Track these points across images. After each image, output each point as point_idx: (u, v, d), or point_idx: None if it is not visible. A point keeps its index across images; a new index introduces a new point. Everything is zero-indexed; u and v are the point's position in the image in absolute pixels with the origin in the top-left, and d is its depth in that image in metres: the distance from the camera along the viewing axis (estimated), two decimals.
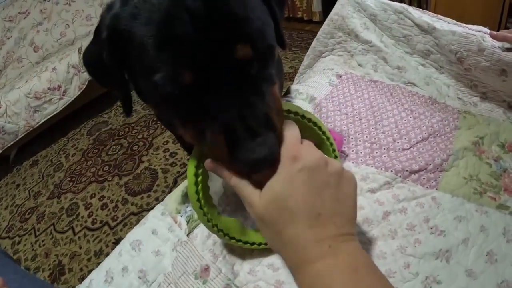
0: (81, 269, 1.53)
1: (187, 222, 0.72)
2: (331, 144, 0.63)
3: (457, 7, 2.24)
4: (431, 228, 0.67)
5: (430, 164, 0.79)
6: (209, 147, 0.49)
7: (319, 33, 1.29)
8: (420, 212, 0.70)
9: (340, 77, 1.12)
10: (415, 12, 1.18)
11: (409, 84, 1.11)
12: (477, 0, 2.17)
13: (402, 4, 1.23)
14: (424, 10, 1.22)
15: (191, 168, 0.55)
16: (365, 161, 0.81)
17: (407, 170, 0.77)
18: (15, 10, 2.84)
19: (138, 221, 1.60)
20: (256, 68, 0.46)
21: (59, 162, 2.35)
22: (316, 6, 3.21)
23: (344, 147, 0.83)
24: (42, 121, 2.40)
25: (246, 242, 0.61)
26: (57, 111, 2.44)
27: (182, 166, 1.86)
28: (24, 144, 2.53)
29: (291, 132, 0.47)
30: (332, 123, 0.92)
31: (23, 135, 2.35)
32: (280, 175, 0.43)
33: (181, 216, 0.74)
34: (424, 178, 0.77)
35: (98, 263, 1.50)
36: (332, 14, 1.28)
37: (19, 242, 1.83)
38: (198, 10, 0.41)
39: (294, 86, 1.10)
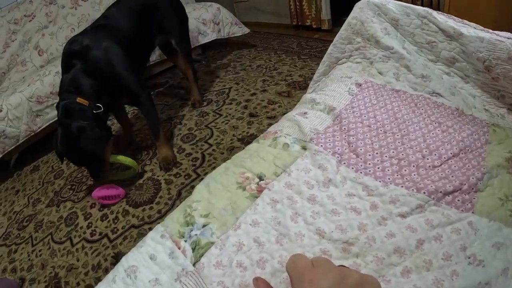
0: (78, 284, 1.44)
1: (193, 249, 0.63)
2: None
3: (471, 13, 2.16)
4: (469, 258, 0.59)
5: (465, 184, 0.70)
6: None
7: (336, 38, 1.21)
8: (457, 239, 0.62)
9: (360, 85, 1.04)
10: (440, 17, 1.10)
11: (434, 94, 1.02)
12: (491, 6, 2.09)
13: (426, 8, 1.15)
14: (449, 15, 1.15)
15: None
16: (393, 180, 0.72)
17: (441, 192, 0.68)
18: (20, 13, 2.79)
19: (139, 235, 1.54)
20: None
21: (60, 168, 2.28)
22: (325, 14, 3.15)
23: (369, 163, 0.75)
24: (44, 126, 2.33)
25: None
26: None
27: (186, 177, 1.76)
28: (25, 149, 2.47)
29: (301, 257, 0.50)
30: (355, 136, 0.83)
31: (24, 139, 2.28)
32: None
33: (185, 241, 0.65)
34: (459, 200, 0.68)
35: (96, 278, 1.43)
36: (350, 18, 1.20)
37: (15, 251, 1.74)
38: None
39: (309, 95, 1.02)
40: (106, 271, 1.42)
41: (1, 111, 2.14)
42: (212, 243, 0.63)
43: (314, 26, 3.28)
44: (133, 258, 0.67)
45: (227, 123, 2.09)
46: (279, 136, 0.85)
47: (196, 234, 0.66)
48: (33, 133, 2.30)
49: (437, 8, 2.51)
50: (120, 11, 1.90)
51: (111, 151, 1.73)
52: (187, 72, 2.35)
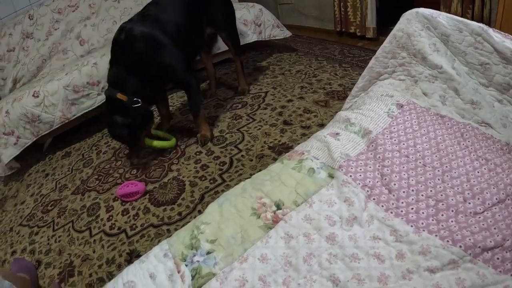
0: (90, 275, 1.43)
1: (193, 277, 0.57)
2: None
3: None
4: None
5: (508, 240, 0.60)
6: None
7: (379, 51, 1.11)
8: None
9: (401, 107, 0.93)
10: (496, 35, 0.98)
11: (483, 124, 0.91)
12: None
13: (481, 25, 1.03)
14: (506, 34, 1.02)
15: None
16: (427, 225, 0.62)
17: (479, 247, 0.58)
18: (64, 3, 2.86)
19: (156, 235, 1.50)
20: None
21: (90, 157, 2.30)
22: (371, 22, 3.01)
23: (402, 202, 0.65)
24: (78, 114, 2.37)
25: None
26: (94, 107, 2.39)
27: (212, 181, 1.71)
28: (60, 134, 2.53)
29: None
30: (390, 167, 0.73)
31: (58, 126, 2.32)
32: None
33: (187, 265, 0.59)
34: (498, 258, 0.58)
35: (108, 272, 1.41)
36: (395, 30, 1.09)
37: (37, 233, 1.78)
38: None
39: (344, 114, 0.92)
40: (119, 267, 1.41)
41: (38, 96, 2.19)
42: (214, 274, 0.57)
43: (358, 34, 3.15)
44: (133, 273, 0.62)
45: (259, 128, 2.02)
46: (305, 158, 0.76)
47: (198, 261, 0.59)
48: (67, 121, 2.34)
49: (488, 23, 2.32)
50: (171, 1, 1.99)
51: (148, 135, 1.99)
52: (236, 64, 2.48)
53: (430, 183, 0.71)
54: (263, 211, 0.65)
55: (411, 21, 1.06)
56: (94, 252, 1.53)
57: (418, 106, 0.94)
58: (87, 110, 2.38)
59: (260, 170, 1.65)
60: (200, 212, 1.54)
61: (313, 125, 1.91)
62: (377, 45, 2.87)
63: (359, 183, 0.69)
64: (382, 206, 0.66)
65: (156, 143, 1.97)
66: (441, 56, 1.02)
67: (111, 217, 1.69)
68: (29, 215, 1.95)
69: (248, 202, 0.67)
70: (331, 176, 0.72)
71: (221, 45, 2.67)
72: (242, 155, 1.83)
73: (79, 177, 2.12)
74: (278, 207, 0.66)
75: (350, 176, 0.70)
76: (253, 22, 2.87)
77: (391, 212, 0.64)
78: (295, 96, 2.28)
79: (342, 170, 0.71)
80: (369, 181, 0.70)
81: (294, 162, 0.77)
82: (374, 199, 0.67)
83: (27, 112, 2.19)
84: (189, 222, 1.47)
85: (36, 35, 2.78)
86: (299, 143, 1.75)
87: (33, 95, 2.19)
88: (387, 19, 3.05)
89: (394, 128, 0.85)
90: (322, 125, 1.88)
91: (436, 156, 0.78)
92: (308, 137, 1.78)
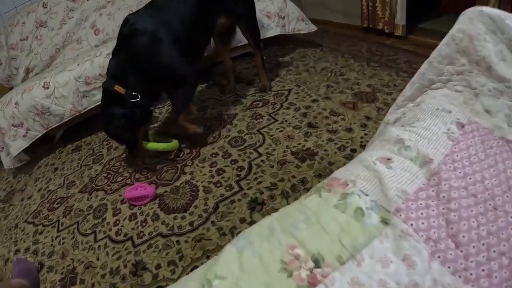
0: (93, 285, 1.34)
1: None
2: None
3: None
4: None
5: None
6: None
7: (434, 54, 0.93)
8: None
9: (463, 126, 0.76)
10: None
11: None
12: None
13: None
14: None
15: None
16: None
17: None
18: None
19: (164, 246, 1.37)
20: None
21: (100, 153, 2.20)
22: (400, 19, 2.80)
23: (472, 261, 0.49)
24: (90, 107, 2.26)
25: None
26: None
27: (228, 188, 1.56)
28: (72, 126, 2.44)
29: None
30: (457, 211, 0.55)
31: (68, 119, 2.23)
32: None
33: None
34: None
35: (112, 284, 1.28)
36: (454, 31, 0.91)
37: (41, 232, 1.71)
38: None
39: (396, 132, 0.75)
40: (124, 279, 1.32)
41: (48, 88, 2.09)
42: None
43: (387, 31, 2.95)
44: None
45: (281, 130, 1.86)
46: (350, 192, 0.59)
47: None
48: (78, 113, 2.25)
49: None
50: None
51: (145, 136, 1.86)
52: (256, 58, 2.31)
53: (502, 234, 0.54)
54: (296, 267, 0.49)
55: (473, 21, 0.87)
56: (98, 259, 1.44)
57: (481, 127, 0.76)
58: (99, 103, 2.27)
59: (281, 179, 1.53)
60: (213, 223, 1.40)
61: (341, 129, 1.75)
62: (406, 44, 2.70)
63: (422, 236, 0.52)
64: (449, 267, 0.50)
65: (157, 145, 1.82)
66: (509, 67, 0.84)
67: (117, 222, 1.59)
68: (35, 212, 1.88)
69: (276, 251, 0.52)
70: (385, 222, 0.55)
71: (241, 38, 2.50)
72: (262, 160, 1.68)
73: (88, 174, 2.03)
74: (317, 263, 0.50)
75: (411, 225, 0.53)
76: (277, 15, 2.70)
77: (459, 276, 0.49)
78: (321, 96, 2.11)
79: (400, 215, 0.55)
80: (434, 232, 0.53)
81: (336, 196, 0.60)
82: (439, 256, 0.51)
83: (36, 103, 2.10)
84: (201, 233, 1.36)
85: (50, 24, 2.69)
86: (325, 149, 1.61)
87: (43, 86, 2.10)
88: (417, 17, 2.86)
89: (457, 156, 0.68)
90: (350, 130, 1.72)
91: (507, 196, 0.60)
92: (335, 143, 1.64)
